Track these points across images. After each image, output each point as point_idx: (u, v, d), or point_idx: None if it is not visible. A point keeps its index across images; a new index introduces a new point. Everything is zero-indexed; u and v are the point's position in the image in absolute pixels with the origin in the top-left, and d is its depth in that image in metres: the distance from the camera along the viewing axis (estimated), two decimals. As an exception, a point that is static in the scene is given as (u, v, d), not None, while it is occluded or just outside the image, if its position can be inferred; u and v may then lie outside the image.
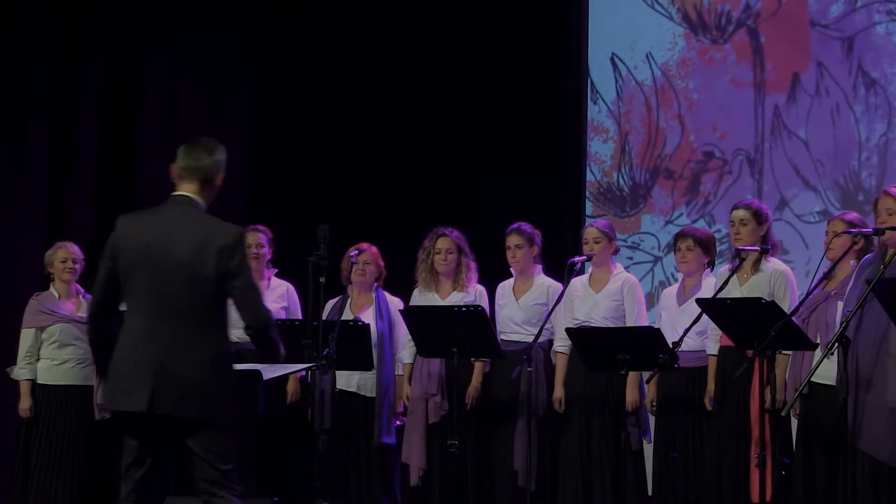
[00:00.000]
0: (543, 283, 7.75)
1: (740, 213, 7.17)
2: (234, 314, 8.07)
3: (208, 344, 4.87)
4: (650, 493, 7.47)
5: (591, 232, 7.66)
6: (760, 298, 6.57)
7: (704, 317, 6.70)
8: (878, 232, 6.43)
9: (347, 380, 7.79)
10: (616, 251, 7.79)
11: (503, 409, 7.59)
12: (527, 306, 7.70)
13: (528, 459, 7.47)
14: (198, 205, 4.96)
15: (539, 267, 7.83)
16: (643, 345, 6.78)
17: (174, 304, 4.83)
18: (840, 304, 6.58)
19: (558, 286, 7.53)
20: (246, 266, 4.92)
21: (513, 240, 7.77)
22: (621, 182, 9.15)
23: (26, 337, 8.00)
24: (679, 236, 7.51)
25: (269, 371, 6.53)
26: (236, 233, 4.91)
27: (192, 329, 4.85)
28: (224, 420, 4.90)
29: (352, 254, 7.83)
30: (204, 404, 4.84)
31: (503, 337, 7.71)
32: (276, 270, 8.25)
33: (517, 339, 7.59)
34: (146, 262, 4.86)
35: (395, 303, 7.94)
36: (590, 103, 9.23)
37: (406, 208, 9.16)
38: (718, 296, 6.80)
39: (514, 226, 7.79)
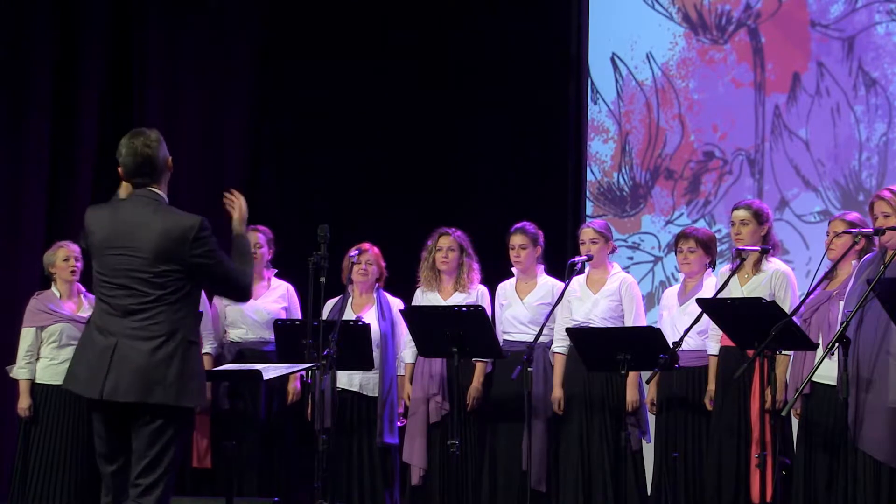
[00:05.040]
0: (547, 283, 7.74)
1: (741, 214, 7.17)
2: (231, 315, 8.15)
3: (169, 332, 4.94)
4: (650, 494, 7.47)
5: (587, 233, 7.65)
6: (761, 298, 6.57)
7: (705, 317, 6.70)
8: (879, 232, 6.43)
9: (349, 379, 7.79)
10: (613, 251, 7.78)
11: (507, 409, 7.58)
12: (532, 306, 7.69)
13: (535, 460, 7.47)
14: (159, 198, 5.08)
15: (542, 267, 7.82)
16: (643, 345, 6.78)
17: (134, 294, 4.94)
18: (842, 304, 6.58)
19: (561, 286, 7.51)
20: (214, 253, 5.01)
21: (517, 239, 7.76)
22: (621, 182, 9.15)
23: (26, 336, 7.99)
24: (680, 237, 7.50)
25: (270, 371, 6.55)
26: (196, 222, 4.99)
27: (153, 319, 4.93)
28: (186, 405, 4.95)
29: (352, 254, 7.83)
30: (168, 390, 4.89)
31: (507, 337, 7.70)
32: (276, 270, 8.26)
33: (522, 339, 7.57)
34: (106, 253, 5.00)
35: (395, 303, 7.94)
36: (590, 103, 9.23)
37: (407, 209, 9.15)
38: (719, 296, 6.79)
39: (519, 225, 7.78)
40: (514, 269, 7.83)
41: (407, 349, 7.90)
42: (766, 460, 6.30)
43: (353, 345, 7.29)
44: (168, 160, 5.14)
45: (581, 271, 7.52)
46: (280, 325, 7.59)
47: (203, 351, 8.00)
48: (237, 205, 5.36)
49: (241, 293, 5.19)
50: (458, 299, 7.79)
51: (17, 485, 7.92)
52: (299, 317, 8.01)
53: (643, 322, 7.54)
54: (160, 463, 4.91)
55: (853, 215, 6.96)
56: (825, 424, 6.73)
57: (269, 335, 7.90)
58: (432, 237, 7.95)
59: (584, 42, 9.27)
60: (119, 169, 5.15)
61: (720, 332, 7.02)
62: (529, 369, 7.14)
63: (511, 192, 9.26)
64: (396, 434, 7.83)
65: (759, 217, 7.15)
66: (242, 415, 7.93)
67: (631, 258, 9.02)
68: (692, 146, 8.98)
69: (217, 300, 8.11)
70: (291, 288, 8.21)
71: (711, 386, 7.19)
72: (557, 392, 7.57)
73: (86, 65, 9.53)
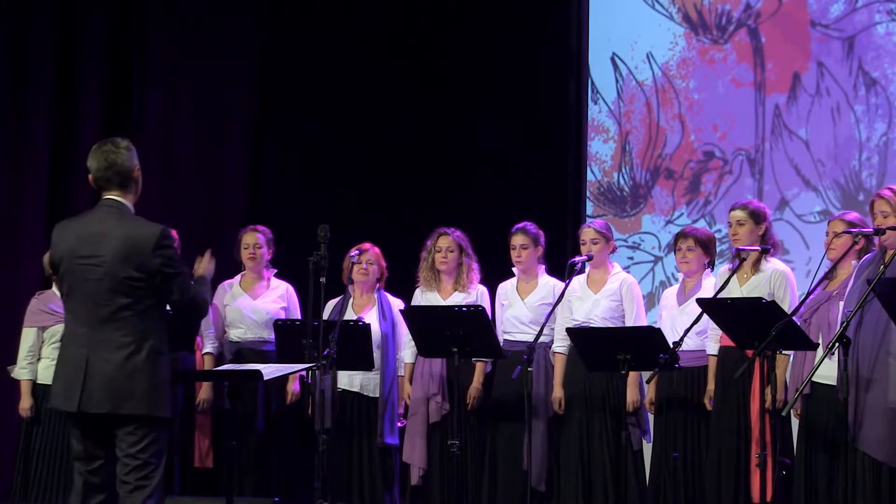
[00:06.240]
0: (548, 283, 7.74)
1: (737, 214, 7.18)
2: (230, 315, 8.15)
3: (137, 343, 4.98)
4: (650, 493, 7.46)
5: (588, 233, 7.66)
6: (761, 298, 6.57)
7: (705, 317, 6.70)
8: (879, 232, 6.44)
9: (350, 380, 7.79)
10: (614, 251, 7.79)
11: (507, 409, 7.58)
12: (533, 306, 7.69)
13: (535, 460, 7.47)
14: (124, 207, 5.11)
15: (543, 267, 7.82)
16: (643, 345, 6.77)
17: (101, 305, 4.99)
18: (842, 304, 6.58)
19: (562, 286, 7.50)
20: (174, 263, 5.04)
21: (518, 239, 7.76)
22: (622, 182, 9.15)
23: (27, 336, 7.98)
24: (679, 236, 7.51)
25: (270, 371, 6.54)
26: (158, 233, 5.02)
27: (121, 330, 4.98)
28: (159, 415, 5.00)
29: (353, 254, 7.83)
30: (138, 401, 4.96)
31: (508, 337, 7.70)
32: (276, 271, 8.26)
33: (524, 339, 7.56)
34: (73, 267, 5.05)
35: (396, 303, 7.94)
36: (590, 103, 9.23)
37: (407, 209, 9.15)
38: (719, 296, 6.79)
39: (520, 225, 7.78)
40: (514, 270, 7.83)
41: (407, 349, 7.90)
42: (766, 460, 6.30)
43: (354, 345, 7.28)
44: (135, 169, 5.15)
45: (581, 271, 7.52)
46: (280, 325, 7.58)
47: (204, 351, 8.03)
48: (204, 264, 5.47)
49: (196, 307, 5.20)
50: (457, 299, 7.78)
51: (18, 485, 7.92)
52: (298, 317, 8.00)
53: (644, 322, 7.54)
54: (149, 462, 5.00)
55: (853, 215, 6.96)
56: (825, 424, 6.73)
57: (268, 335, 7.90)
58: (431, 237, 7.94)
59: (584, 42, 9.26)
60: (90, 177, 5.16)
61: (720, 332, 7.03)
62: (529, 369, 7.13)
63: (511, 192, 9.25)
64: (397, 434, 7.83)
65: (756, 217, 7.15)
66: (242, 415, 7.93)
67: (631, 258, 9.02)
68: (692, 146, 8.99)
69: (217, 300, 8.11)
70: (291, 288, 8.21)
71: (711, 386, 7.20)
72: (558, 392, 7.57)
73: (86, 65, 9.53)
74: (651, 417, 7.49)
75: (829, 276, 6.69)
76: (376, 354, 7.63)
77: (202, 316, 5.45)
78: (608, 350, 6.86)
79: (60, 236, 5.14)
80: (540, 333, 7.26)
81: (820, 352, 6.46)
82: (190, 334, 7.70)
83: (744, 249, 7.01)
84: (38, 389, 7.95)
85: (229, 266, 8.41)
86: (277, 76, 9.77)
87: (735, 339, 6.71)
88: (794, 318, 6.34)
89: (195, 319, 5.35)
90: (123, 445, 5.00)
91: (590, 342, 7.09)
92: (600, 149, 9.22)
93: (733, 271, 6.94)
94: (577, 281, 7.60)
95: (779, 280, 7.07)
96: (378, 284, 7.97)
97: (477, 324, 7.11)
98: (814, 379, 6.47)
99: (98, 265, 4.99)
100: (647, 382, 7.17)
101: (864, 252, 6.68)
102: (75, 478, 5.13)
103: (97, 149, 5.13)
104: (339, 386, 7.49)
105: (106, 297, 4.98)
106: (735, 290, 7.05)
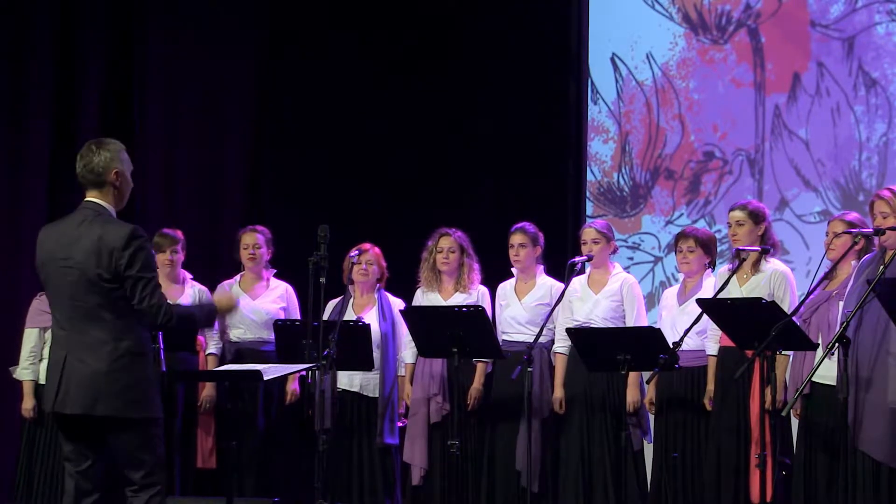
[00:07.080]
0: (546, 283, 7.75)
1: (737, 214, 7.19)
2: (233, 315, 8.14)
3: (113, 343, 4.97)
4: (650, 493, 7.47)
5: (589, 233, 7.66)
6: (761, 299, 6.57)
7: (705, 316, 6.71)
8: (879, 232, 6.44)
9: (350, 380, 7.79)
10: (614, 251, 7.79)
11: (506, 409, 7.59)
12: (530, 306, 7.70)
13: (531, 460, 7.47)
14: (101, 209, 5.09)
15: (541, 267, 7.83)
16: (644, 345, 6.78)
17: (77, 307, 5.00)
18: (842, 305, 6.58)
19: (561, 286, 7.52)
20: (140, 264, 4.99)
21: (517, 238, 7.77)
22: (622, 182, 9.16)
23: (29, 337, 7.99)
24: (680, 237, 7.51)
25: (270, 371, 6.55)
26: (126, 233, 5.00)
27: (97, 330, 4.98)
28: (135, 416, 5.00)
29: (353, 254, 7.83)
30: (112, 402, 4.96)
31: (505, 337, 7.70)
32: (275, 271, 8.26)
33: (520, 340, 7.58)
34: (53, 269, 5.07)
35: (396, 304, 7.94)
36: (590, 103, 9.23)
37: (407, 209, 9.16)
38: (719, 296, 6.80)
39: (519, 225, 7.79)
40: (513, 270, 7.84)
41: (407, 349, 7.90)
42: (766, 460, 6.30)
43: (354, 345, 7.28)
44: (112, 171, 5.10)
45: (581, 271, 7.53)
46: (280, 326, 7.59)
47: (208, 351, 8.03)
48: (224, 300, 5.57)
49: (154, 315, 5.02)
50: (458, 300, 7.79)
51: (22, 486, 7.92)
52: (298, 317, 8.01)
53: (644, 322, 7.54)
54: (149, 461, 5.02)
55: (853, 215, 6.96)
56: (825, 424, 6.73)
57: (268, 335, 7.90)
58: (433, 238, 7.95)
59: (584, 42, 9.27)
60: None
61: (719, 333, 7.03)
62: (529, 370, 7.14)
63: (511, 192, 9.26)
64: (397, 434, 7.84)
65: (756, 217, 7.16)
66: (243, 415, 7.93)
67: (631, 258, 9.02)
68: (692, 146, 8.99)
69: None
70: (290, 288, 8.21)
71: (711, 386, 7.20)
72: (558, 392, 7.58)
73: (86, 64, 9.53)
74: (651, 417, 7.50)
75: (828, 276, 6.69)
76: (376, 354, 7.63)
77: (156, 328, 5.31)
78: (608, 350, 6.86)
79: (43, 240, 5.15)
80: (539, 334, 7.26)
81: (820, 352, 6.46)
82: (190, 334, 7.72)
83: (743, 249, 7.02)
84: (40, 390, 7.95)
85: (229, 266, 8.41)
86: (277, 76, 9.77)
87: (735, 339, 6.71)
88: (793, 318, 6.35)
89: (153, 327, 5.20)
90: (121, 448, 5.01)
91: (590, 342, 7.09)
92: (600, 149, 9.23)
93: (733, 271, 6.95)
94: (578, 281, 7.60)
95: (778, 280, 7.08)
96: (378, 284, 7.97)
97: (477, 324, 7.11)
98: (814, 379, 6.47)
99: (72, 267, 5.00)
100: (648, 382, 7.17)
101: (863, 252, 6.68)
102: (66, 480, 5.14)
103: (83, 149, 5.15)
104: (338, 386, 7.50)
105: (81, 298, 4.99)
106: (735, 291, 7.05)
